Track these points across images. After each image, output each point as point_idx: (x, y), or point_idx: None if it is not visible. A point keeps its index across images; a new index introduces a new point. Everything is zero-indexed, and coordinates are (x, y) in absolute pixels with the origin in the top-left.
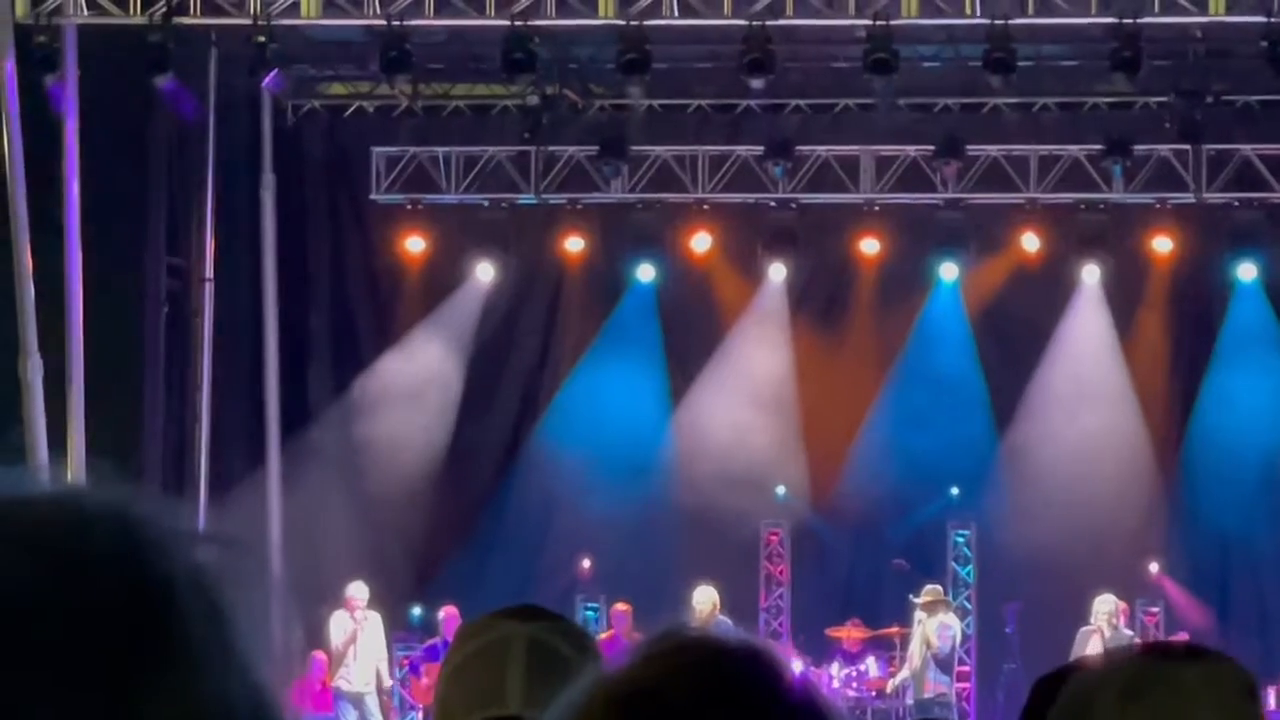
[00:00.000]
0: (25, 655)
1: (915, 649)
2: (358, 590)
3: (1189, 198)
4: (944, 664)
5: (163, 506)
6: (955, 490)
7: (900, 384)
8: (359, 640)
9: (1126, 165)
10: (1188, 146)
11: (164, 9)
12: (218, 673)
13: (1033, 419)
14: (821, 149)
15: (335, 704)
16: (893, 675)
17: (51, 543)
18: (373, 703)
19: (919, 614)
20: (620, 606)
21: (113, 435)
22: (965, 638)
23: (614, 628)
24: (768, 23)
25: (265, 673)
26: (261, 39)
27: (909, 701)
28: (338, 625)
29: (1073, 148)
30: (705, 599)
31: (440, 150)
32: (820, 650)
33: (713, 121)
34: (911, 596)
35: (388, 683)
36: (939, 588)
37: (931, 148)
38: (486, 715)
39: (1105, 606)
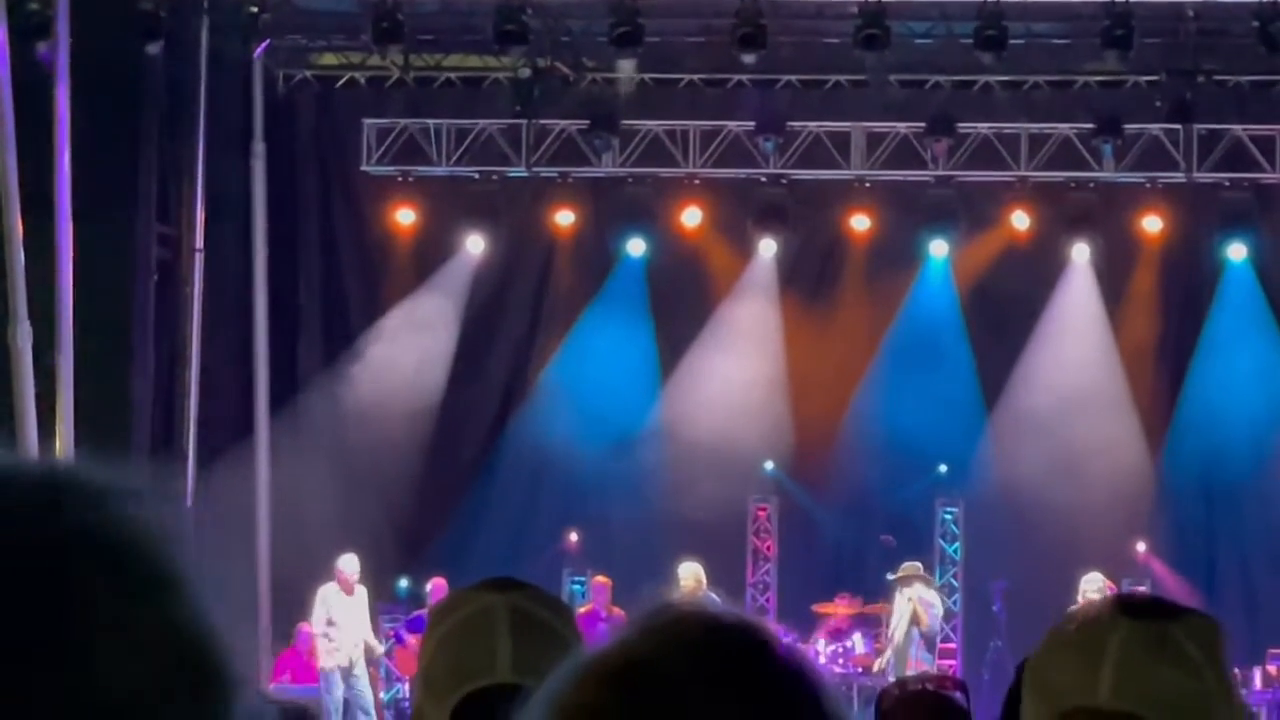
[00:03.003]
0: None
1: (897, 625)
2: (348, 564)
3: (1179, 177)
4: (929, 641)
5: (93, 466)
6: (943, 467)
7: (889, 360)
8: (349, 613)
9: (1117, 144)
10: (1179, 126)
11: None
12: (149, 614)
13: (1021, 397)
14: (813, 125)
15: (322, 676)
16: (879, 652)
17: None
18: (361, 674)
19: (901, 590)
20: (600, 579)
21: (101, 404)
22: (951, 615)
23: (593, 601)
24: None
25: (207, 615)
26: (254, 8)
27: (892, 678)
28: (325, 598)
29: (1063, 126)
30: (689, 574)
31: (431, 122)
32: (807, 626)
33: (704, 96)
34: (889, 575)
35: (379, 650)
36: (917, 564)
37: (922, 124)
38: (476, 686)
39: (1093, 585)
